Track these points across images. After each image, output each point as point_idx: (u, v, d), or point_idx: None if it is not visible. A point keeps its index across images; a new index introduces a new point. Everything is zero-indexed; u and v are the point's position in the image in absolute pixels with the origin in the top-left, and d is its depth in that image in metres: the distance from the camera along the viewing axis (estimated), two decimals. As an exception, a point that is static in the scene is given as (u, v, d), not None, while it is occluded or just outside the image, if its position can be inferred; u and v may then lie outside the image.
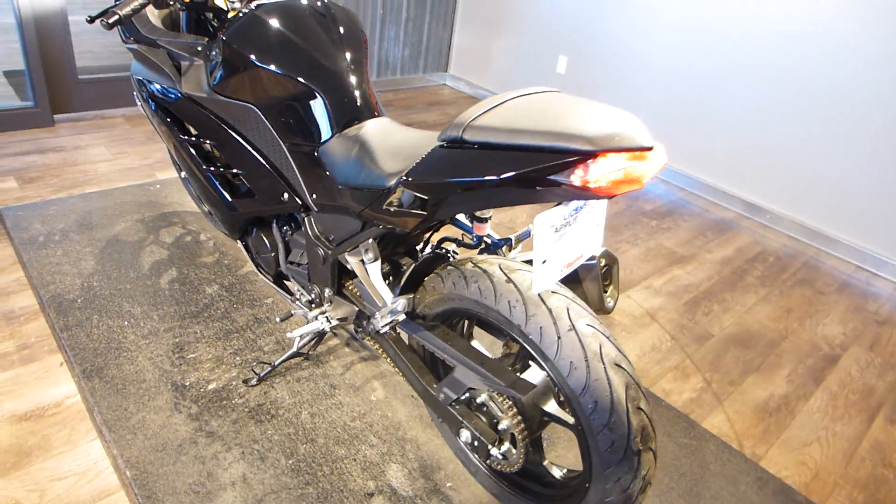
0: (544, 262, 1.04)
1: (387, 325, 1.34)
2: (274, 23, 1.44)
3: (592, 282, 1.44)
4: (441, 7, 4.63)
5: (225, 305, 2.06)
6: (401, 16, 4.44)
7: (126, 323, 1.93)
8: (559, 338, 1.12)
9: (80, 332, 1.87)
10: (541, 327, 1.14)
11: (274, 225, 1.74)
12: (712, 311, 2.61)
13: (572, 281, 1.47)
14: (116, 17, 1.40)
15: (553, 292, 1.16)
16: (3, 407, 1.69)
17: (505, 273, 1.19)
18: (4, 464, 1.55)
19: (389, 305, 1.38)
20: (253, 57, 1.43)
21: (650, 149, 0.92)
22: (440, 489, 1.54)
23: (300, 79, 1.42)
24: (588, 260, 1.40)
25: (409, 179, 1.17)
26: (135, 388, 1.71)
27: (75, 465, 1.55)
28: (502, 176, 0.98)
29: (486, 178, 1.01)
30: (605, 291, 1.40)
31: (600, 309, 1.45)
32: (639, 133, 0.93)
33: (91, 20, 1.50)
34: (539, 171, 0.94)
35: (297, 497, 1.46)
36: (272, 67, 1.42)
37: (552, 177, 0.94)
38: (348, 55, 1.49)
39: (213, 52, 1.54)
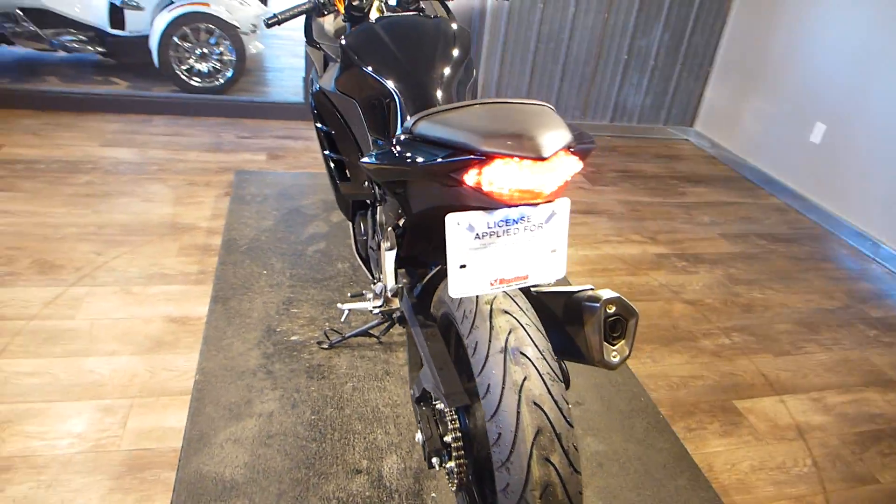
0: (462, 266, 1.02)
1: (377, 308, 1.42)
2: (382, 33, 1.63)
3: (592, 329, 1.31)
4: (696, 59, 4.40)
5: (343, 281, 2.33)
6: (647, 63, 4.34)
7: (264, 272, 2.33)
8: (487, 357, 1.07)
9: (230, 269, 2.32)
10: (477, 342, 1.10)
11: (370, 210, 1.93)
12: (894, 455, 2.03)
13: (575, 323, 1.36)
14: (276, 19, 1.74)
15: (508, 313, 1.11)
16: (166, 309, 2.20)
17: None
18: (145, 346, 2.02)
19: (374, 288, 1.45)
20: (358, 60, 1.64)
21: (543, 159, 0.85)
22: (422, 495, 1.54)
23: (388, 82, 1.58)
24: (588, 302, 1.28)
25: (371, 162, 1.21)
26: (240, 320, 2.07)
27: (181, 364, 1.95)
28: (415, 165, 1.00)
29: (408, 167, 1.03)
30: (612, 344, 1.26)
31: (599, 361, 1.31)
32: (544, 141, 0.87)
33: (268, 24, 1.89)
34: (440, 166, 0.94)
35: (299, 446, 1.62)
36: (369, 70, 1.62)
37: (453, 174, 0.93)
38: (440, 69, 1.60)
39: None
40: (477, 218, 0.99)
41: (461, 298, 1.18)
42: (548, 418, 1.01)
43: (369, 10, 1.84)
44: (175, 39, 4.00)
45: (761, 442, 1.99)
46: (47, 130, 3.50)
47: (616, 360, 1.30)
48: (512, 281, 1.05)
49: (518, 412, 1.00)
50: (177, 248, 2.56)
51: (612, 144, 4.46)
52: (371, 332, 2.05)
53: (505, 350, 1.04)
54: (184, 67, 4.11)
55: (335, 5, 1.81)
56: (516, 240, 1.03)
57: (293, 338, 2.02)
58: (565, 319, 1.47)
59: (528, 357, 1.04)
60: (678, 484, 1.66)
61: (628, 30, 4.19)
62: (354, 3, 1.83)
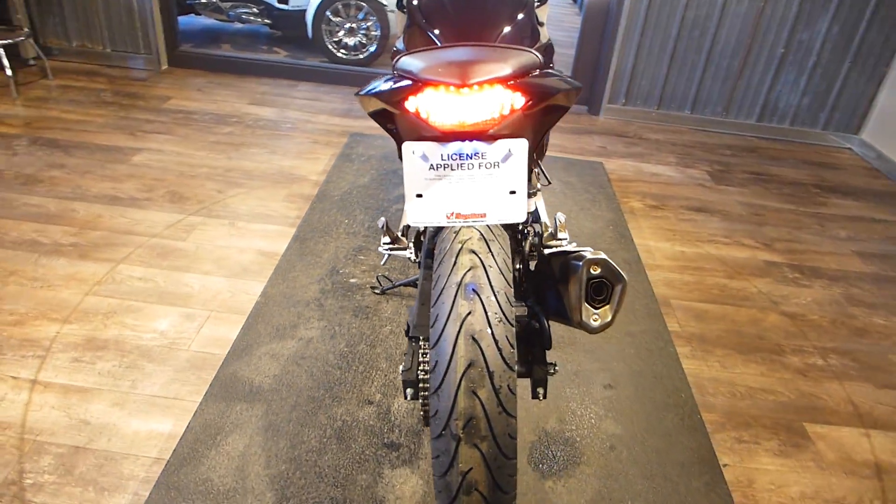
0: (419, 195, 1.06)
1: (410, 254, 1.48)
2: None
3: (574, 288, 1.27)
4: (871, 57, 3.86)
5: (415, 238, 2.46)
6: (807, 59, 3.90)
7: (346, 221, 2.51)
8: (443, 289, 1.10)
9: (317, 214, 2.53)
10: (439, 275, 1.14)
11: None
12: None
13: (564, 282, 1.33)
14: None
15: (475, 252, 1.12)
16: (260, 243, 2.47)
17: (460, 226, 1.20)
18: (234, 271, 2.30)
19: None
20: (415, 18, 1.71)
21: (465, 85, 0.86)
22: (420, 435, 1.60)
23: (437, 41, 1.64)
24: (574, 261, 1.25)
25: (356, 94, 1.27)
26: (311, 258, 2.26)
27: (257, 289, 2.19)
28: (368, 93, 1.04)
29: (363, 96, 1.07)
30: (595, 307, 1.23)
31: (578, 322, 1.28)
32: (471, 70, 0.87)
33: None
34: (385, 94, 0.98)
35: (324, 371, 1.75)
36: (423, 28, 1.68)
37: (403, 103, 0.96)
38: (491, 29, 1.62)
39: None
40: (431, 148, 1.02)
41: (444, 237, 1.22)
42: (483, 354, 1.02)
43: None
44: (328, 14, 4.36)
45: (824, 471, 1.77)
46: (210, 88, 4.02)
47: (596, 323, 1.26)
48: (469, 217, 1.07)
49: (455, 343, 1.02)
50: (284, 195, 2.84)
51: (753, 145, 4.08)
52: (417, 282, 2.13)
53: (459, 284, 1.07)
54: (333, 40, 4.48)
55: None
56: (472, 175, 1.04)
57: (351, 280, 2.17)
58: (559, 279, 1.44)
59: (479, 294, 1.06)
60: (692, 485, 1.54)
61: (788, 20, 3.80)
62: None
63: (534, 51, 1.10)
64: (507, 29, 1.61)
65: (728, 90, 4.05)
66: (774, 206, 3.30)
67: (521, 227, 1.44)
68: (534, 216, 1.45)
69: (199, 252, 2.39)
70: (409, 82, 0.94)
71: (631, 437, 1.65)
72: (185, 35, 4.98)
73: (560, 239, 1.43)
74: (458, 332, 1.03)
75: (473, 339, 1.02)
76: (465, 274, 1.08)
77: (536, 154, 1.94)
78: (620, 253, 2.49)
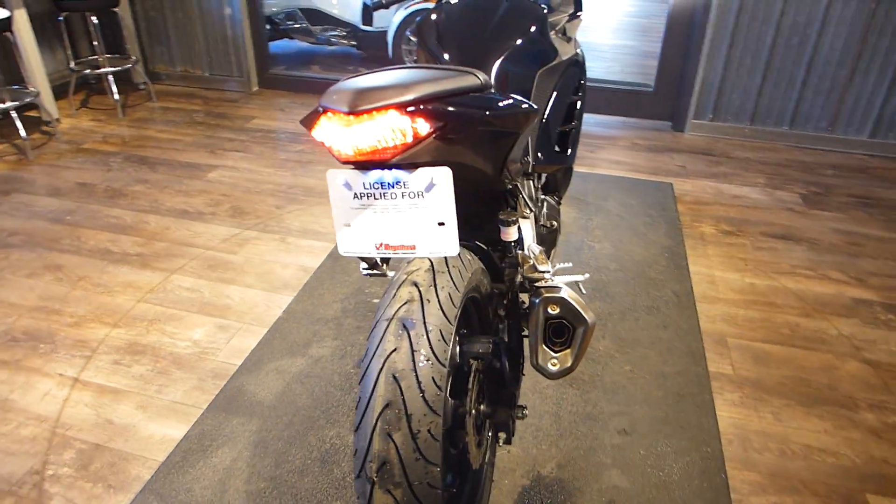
0: (346, 224, 1.01)
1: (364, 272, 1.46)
2: (442, 15, 1.61)
3: (531, 328, 1.17)
4: None
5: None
6: (932, 67, 3.41)
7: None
8: (377, 322, 1.05)
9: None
10: (379, 307, 1.09)
11: None
12: None
13: (524, 318, 1.22)
14: (380, 4, 1.87)
15: (417, 285, 1.06)
16: (305, 259, 2.54)
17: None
18: (274, 285, 2.38)
19: None
20: (422, 38, 1.67)
21: (349, 113, 0.81)
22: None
23: (440, 56, 1.58)
24: (534, 297, 1.15)
25: None
26: (341, 277, 2.29)
27: (287, 304, 2.25)
28: (301, 120, 1.01)
29: (301, 122, 1.04)
30: (554, 351, 1.12)
31: (534, 365, 1.17)
32: (359, 96, 0.82)
33: (373, 7, 2.00)
34: (305, 121, 0.94)
35: (326, 391, 1.76)
36: (430, 46, 1.64)
37: (312, 132, 0.92)
38: (492, 50, 1.55)
39: None
40: (352, 176, 0.97)
41: (400, 265, 1.17)
42: (402, 395, 0.96)
43: None
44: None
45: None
46: (292, 108, 4.23)
47: (553, 368, 1.15)
48: (398, 248, 1.01)
49: (376, 381, 0.97)
50: (337, 212, 2.91)
51: (863, 164, 3.62)
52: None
53: (391, 319, 1.02)
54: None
55: None
56: (397, 205, 0.99)
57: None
58: (522, 316, 1.33)
59: (408, 331, 1.00)
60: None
61: (907, 24, 3.35)
62: None
63: (476, 72, 1.03)
64: (516, 45, 1.54)
65: (834, 103, 3.63)
66: (877, 234, 2.90)
67: (503, 257, 1.36)
68: (518, 245, 1.36)
69: (245, 265, 2.50)
70: (318, 110, 0.91)
71: (636, 493, 1.49)
72: (279, 58, 5.29)
73: (542, 271, 1.32)
74: (381, 369, 0.98)
75: (395, 377, 0.96)
76: (399, 308, 1.02)
77: (540, 183, 1.82)
78: (669, 284, 2.28)
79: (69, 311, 2.24)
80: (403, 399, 0.95)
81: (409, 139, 0.86)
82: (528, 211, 1.40)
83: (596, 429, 1.67)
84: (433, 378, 0.97)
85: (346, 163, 0.91)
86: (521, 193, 1.35)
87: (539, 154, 1.61)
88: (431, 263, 1.09)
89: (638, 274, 2.32)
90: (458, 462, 1.30)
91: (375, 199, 0.98)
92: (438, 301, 1.04)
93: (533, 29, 1.57)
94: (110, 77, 3.94)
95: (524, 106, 1.07)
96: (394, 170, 0.94)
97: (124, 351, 2.06)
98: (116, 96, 3.95)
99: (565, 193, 2.04)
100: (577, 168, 3.32)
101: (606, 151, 3.60)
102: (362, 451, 0.97)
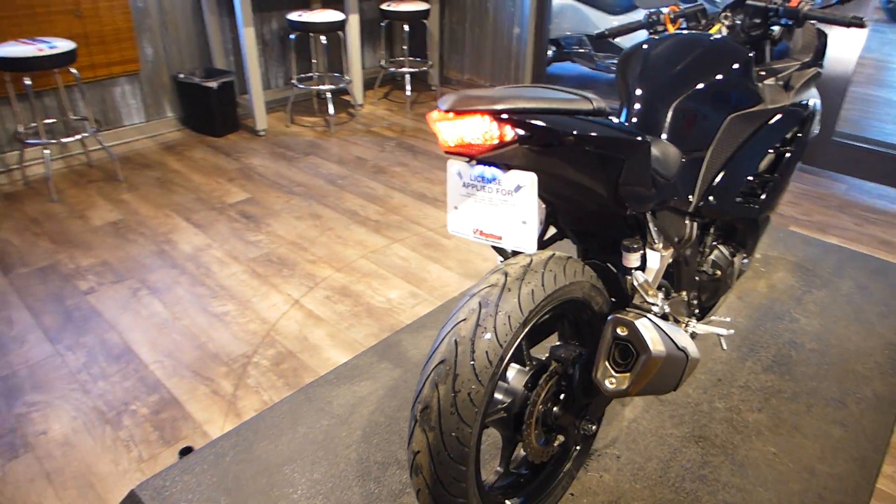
0: (455, 207, 1.19)
1: None
2: (641, 53, 1.64)
3: (600, 343, 1.21)
4: None
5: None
6: None
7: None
8: (466, 294, 1.22)
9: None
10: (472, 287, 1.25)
11: None
12: None
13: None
14: (605, 34, 1.97)
15: (507, 274, 1.19)
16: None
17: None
18: (470, 273, 2.67)
19: None
20: (618, 79, 1.72)
21: (448, 111, 0.97)
22: None
23: (624, 101, 1.63)
24: (609, 313, 1.19)
25: None
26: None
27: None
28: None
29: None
30: (616, 371, 1.17)
31: (595, 379, 1.22)
32: (462, 99, 0.98)
33: (597, 37, 2.08)
34: (429, 114, 1.12)
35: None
36: (621, 88, 1.68)
37: (432, 126, 1.11)
38: (681, 92, 1.55)
39: None
40: (463, 167, 1.15)
41: None
42: (455, 356, 1.12)
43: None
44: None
45: None
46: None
47: (610, 386, 1.19)
48: (489, 236, 1.16)
49: (442, 340, 1.15)
50: (548, 224, 3.08)
51: None
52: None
53: (474, 295, 1.18)
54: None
55: (665, 25, 1.91)
56: (492, 199, 1.13)
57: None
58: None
59: (480, 308, 1.15)
60: None
61: None
62: (692, 25, 1.88)
63: (592, 97, 1.12)
64: (703, 86, 1.54)
65: None
66: None
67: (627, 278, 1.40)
68: (640, 266, 1.38)
69: (453, 251, 2.83)
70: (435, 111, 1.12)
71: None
72: (555, 79, 5.59)
73: (649, 302, 1.33)
74: (448, 332, 1.15)
75: (455, 341, 1.13)
76: (483, 288, 1.18)
77: (712, 228, 1.72)
78: (874, 383, 1.94)
79: (312, 250, 2.83)
80: (456, 360, 1.11)
81: (495, 141, 1.01)
82: (659, 244, 1.41)
83: (702, 492, 1.57)
84: (487, 352, 1.11)
85: (446, 152, 1.09)
86: (647, 224, 1.38)
87: (710, 198, 1.58)
88: (531, 262, 1.21)
89: (840, 362, 2.03)
90: (514, 448, 1.38)
91: (477, 189, 1.15)
92: (519, 292, 1.16)
93: (730, 72, 1.55)
94: (408, 76, 4.68)
95: (624, 134, 1.13)
96: (492, 168, 1.10)
97: (336, 291, 2.54)
98: (409, 93, 4.67)
99: (755, 248, 1.90)
100: (821, 236, 2.94)
101: (876, 228, 3.10)
102: (416, 393, 1.15)
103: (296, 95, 4.68)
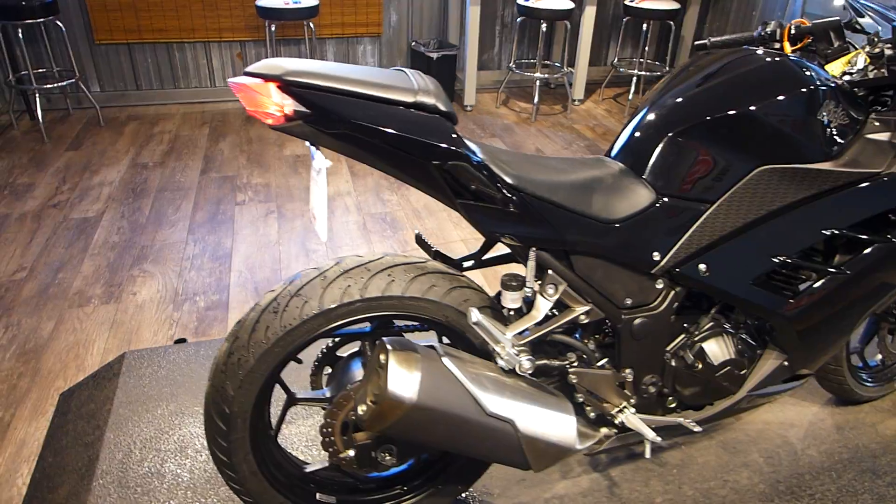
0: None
1: None
2: (689, 61, 1.31)
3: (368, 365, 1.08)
4: None
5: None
6: None
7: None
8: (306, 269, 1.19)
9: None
10: None
11: None
12: None
13: None
14: (706, 42, 1.59)
15: (339, 262, 1.13)
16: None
17: None
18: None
19: None
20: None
21: (249, 75, 0.94)
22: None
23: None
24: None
25: None
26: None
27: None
28: None
29: None
30: (372, 398, 1.05)
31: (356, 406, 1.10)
32: (274, 67, 0.94)
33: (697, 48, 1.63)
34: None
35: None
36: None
37: None
38: (688, 115, 1.20)
39: None
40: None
41: None
42: (246, 320, 1.13)
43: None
44: None
45: None
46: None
47: (360, 412, 1.06)
48: (316, 217, 1.10)
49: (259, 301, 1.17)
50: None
51: None
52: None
53: (304, 271, 1.17)
54: None
55: (782, 42, 1.49)
56: (313, 177, 1.08)
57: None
58: None
59: (290, 283, 1.13)
60: None
61: None
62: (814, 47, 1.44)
63: (426, 87, 0.98)
64: (716, 116, 1.20)
65: None
66: None
67: None
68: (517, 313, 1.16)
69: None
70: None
71: None
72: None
73: (498, 341, 1.12)
74: (266, 294, 1.16)
75: (257, 305, 1.14)
76: (311, 269, 1.15)
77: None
78: None
79: (423, 222, 2.92)
80: (244, 323, 1.12)
81: (278, 113, 0.95)
82: (551, 290, 1.16)
83: None
84: (267, 328, 1.09)
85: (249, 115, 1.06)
86: (529, 260, 1.15)
87: (702, 266, 1.23)
88: (381, 261, 1.14)
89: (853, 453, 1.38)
90: None
91: (312, 160, 1.10)
92: (330, 285, 1.11)
93: (772, 104, 1.15)
94: (635, 80, 4.33)
95: (418, 134, 0.96)
96: (311, 145, 1.05)
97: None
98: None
99: (812, 363, 1.39)
100: None
101: None
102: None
103: (521, 81, 4.72)
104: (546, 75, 4.20)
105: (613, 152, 1.30)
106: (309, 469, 1.31)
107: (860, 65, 1.35)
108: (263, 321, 1.10)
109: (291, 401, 1.25)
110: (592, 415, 1.31)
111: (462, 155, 1.00)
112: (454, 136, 1.00)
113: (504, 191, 1.05)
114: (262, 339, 1.10)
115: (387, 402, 0.97)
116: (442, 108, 0.99)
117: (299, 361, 1.24)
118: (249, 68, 0.96)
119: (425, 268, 1.17)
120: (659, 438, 1.24)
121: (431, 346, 1.09)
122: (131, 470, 1.54)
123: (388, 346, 1.01)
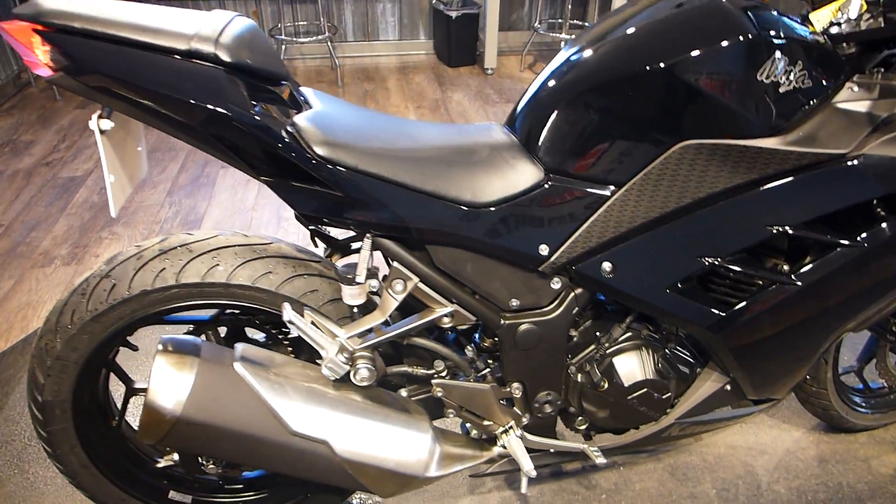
0: None
1: None
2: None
3: None
4: None
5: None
6: None
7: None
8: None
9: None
10: None
11: None
12: None
13: None
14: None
15: (163, 240, 0.98)
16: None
17: None
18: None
19: None
20: None
21: (15, 17, 0.78)
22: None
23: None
24: None
25: None
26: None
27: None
28: None
29: None
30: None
31: None
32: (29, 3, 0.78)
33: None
34: None
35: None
36: None
37: None
38: (591, 76, 0.95)
39: None
40: None
41: None
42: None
43: None
44: None
45: None
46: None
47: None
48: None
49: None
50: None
51: None
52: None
53: (131, 249, 1.02)
54: None
55: None
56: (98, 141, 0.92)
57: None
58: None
59: (107, 265, 1.00)
60: None
61: None
62: None
63: (208, 34, 0.78)
64: (622, 78, 0.96)
65: None
66: None
67: None
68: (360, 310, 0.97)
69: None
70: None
71: None
72: None
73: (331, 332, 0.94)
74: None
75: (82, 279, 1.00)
76: (134, 246, 1.01)
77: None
78: None
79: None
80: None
81: (43, 61, 0.79)
82: (398, 289, 0.96)
83: None
84: (74, 309, 0.96)
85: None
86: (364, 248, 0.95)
87: (605, 265, 0.99)
88: (193, 242, 0.99)
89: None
90: None
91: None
92: (143, 266, 0.96)
93: (696, 59, 0.90)
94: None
95: (183, 87, 0.77)
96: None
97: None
98: None
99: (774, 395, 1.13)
100: None
101: None
102: None
103: (552, 43, 4.37)
104: (574, 36, 3.85)
105: (510, 120, 1.07)
106: (162, 464, 1.19)
107: (854, 13, 1.04)
108: (71, 304, 0.97)
109: (131, 390, 1.12)
110: (475, 433, 1.12)
111: (248, 119, 0.81)
112: (239, 93, 0.81)
113: (313, 164, 0.86)
114: (68, 324, 0.97)
115: (147, 412, 0.81)
116: (225, 57, 0.79)
117: (134, 348, 1.11)
118: (18, 9, 0.80)
119: (265, 251, 1.00)
120: (534, 473, 1.03)
121: (233, 347, 0.92)
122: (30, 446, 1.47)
123: (160, 346, 0.85)
